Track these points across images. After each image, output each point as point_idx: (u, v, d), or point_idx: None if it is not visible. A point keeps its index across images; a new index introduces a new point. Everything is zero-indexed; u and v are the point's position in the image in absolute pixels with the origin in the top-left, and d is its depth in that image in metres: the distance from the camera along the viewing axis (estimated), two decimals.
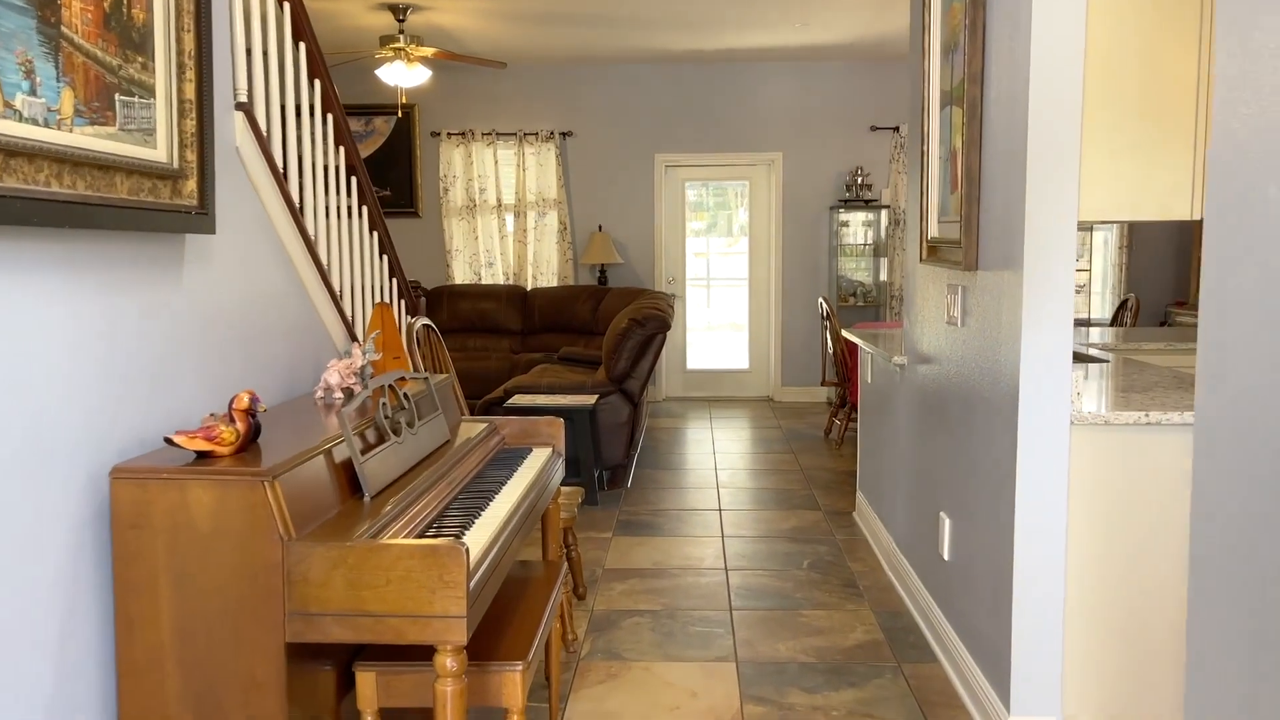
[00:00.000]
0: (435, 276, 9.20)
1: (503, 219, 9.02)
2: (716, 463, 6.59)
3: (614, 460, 5.90)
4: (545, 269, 9.09)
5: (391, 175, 9.10)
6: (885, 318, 8.93)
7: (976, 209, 3.06)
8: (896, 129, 8.86)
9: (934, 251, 3.55)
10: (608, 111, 8.99)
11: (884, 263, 8.94)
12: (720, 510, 5.42)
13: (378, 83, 8.97)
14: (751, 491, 5.82)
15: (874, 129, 8.92)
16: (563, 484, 5.50)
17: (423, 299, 4.26)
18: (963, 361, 3.24)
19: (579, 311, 8.60)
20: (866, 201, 8.79)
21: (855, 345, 6.76)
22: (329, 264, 3.26)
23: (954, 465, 3.35)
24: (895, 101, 8.92)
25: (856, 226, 8.97)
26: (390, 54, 6.79)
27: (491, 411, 5.92)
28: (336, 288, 3.23)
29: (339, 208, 3.40)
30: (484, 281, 9.09)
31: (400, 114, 6.94)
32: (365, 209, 3.53)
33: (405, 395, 2.63)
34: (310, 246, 2.92)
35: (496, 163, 8.97)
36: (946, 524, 3.41)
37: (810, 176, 9.00)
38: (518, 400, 5.59)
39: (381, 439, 2.45)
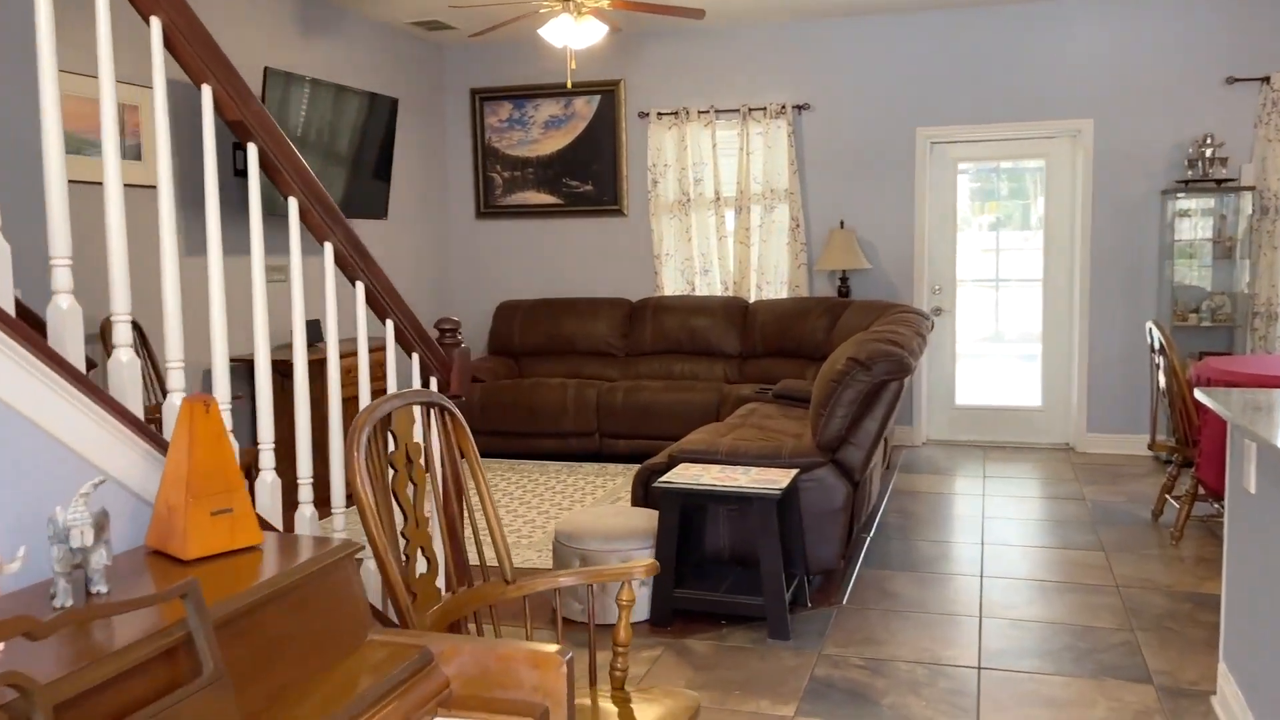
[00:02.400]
0: (642, 287, 7.65)
1: (721, 216, 7.32)
2: (984, 562, 4.56)
3: (823, 564, 4.07)
4: (772, 276, 7.30)
5: (593, 167, 7.65)
6: (1246, 345, 6.38)
7: None
8: (1267, 80, 6.30)
9: None
10: (854, 76, 7.06)
11: (1245, 266, 6.40)
12: (980, 668, 3.45)
13: (584, 59, 7.54)
14: (1037, 629, 3.78)
15: (1231, 81, 6.40)
16: (726, 621, 3.71)
17: (461, 348, 2.66)
18: None
19: (809, 331, 6.76)
20: (1218, 182, 6.30)
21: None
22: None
23: None
24: (1267, 39, 6.35)
25: (1201, 216, 6.50)
26: (555, 5, 5.29)
27: (650, 483, 4.25)
28: (167, 361, 1.68)
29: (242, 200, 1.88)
30: (697, 292, 7.44)
31: (570, 85, 5.45)
32: (293, 201, 2.00)
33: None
34: None
35: (715, 146, 7.28)
36: None
37: (1133, 149, 6.62)
38: (678, 475, 3.89)
39: None
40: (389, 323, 2.37)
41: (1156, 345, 5.07)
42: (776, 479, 3.81)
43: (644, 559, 2.26)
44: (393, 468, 2.06)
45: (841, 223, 7.12)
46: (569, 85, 5.54)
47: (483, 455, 6.96)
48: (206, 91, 1.85)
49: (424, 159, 7.61)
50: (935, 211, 7.09)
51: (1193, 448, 4.83)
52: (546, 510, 5.52)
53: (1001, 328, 7.14)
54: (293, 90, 5.81)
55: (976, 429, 7.19)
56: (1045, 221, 6.93)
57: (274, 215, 5.68)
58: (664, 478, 3.84)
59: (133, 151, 5.00)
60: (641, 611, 3.87)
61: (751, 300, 7.26)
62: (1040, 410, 7.06)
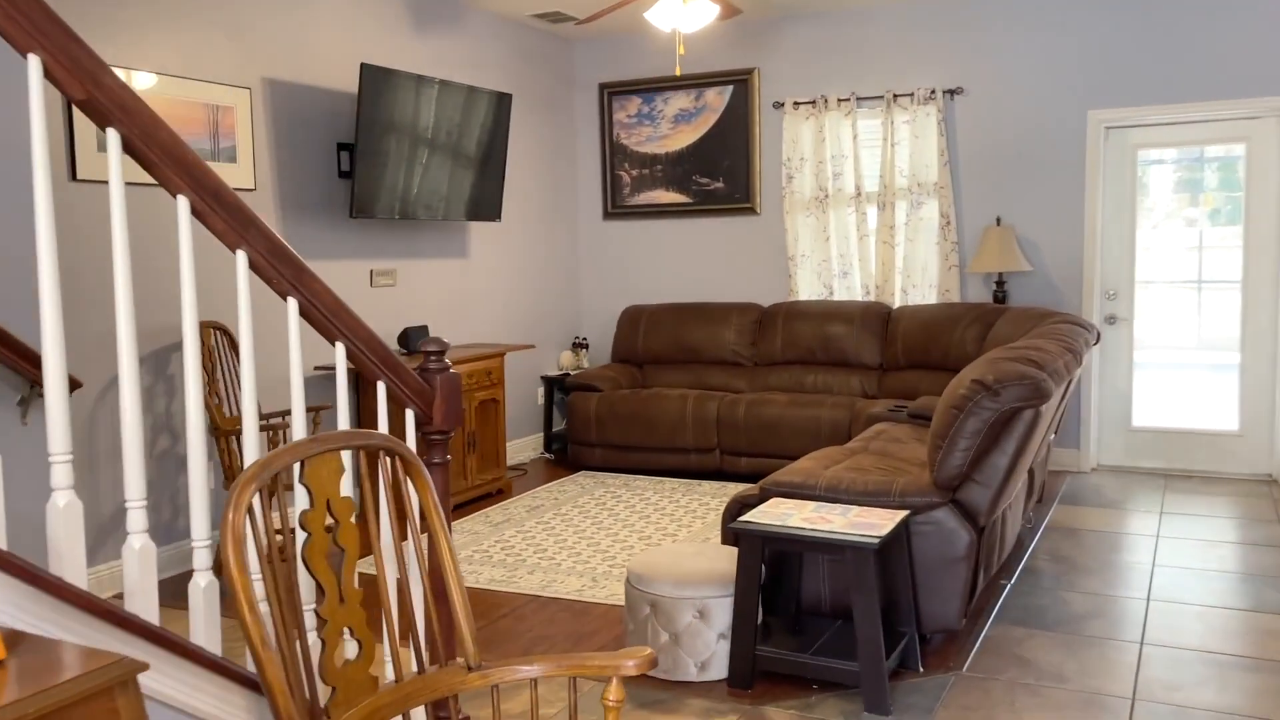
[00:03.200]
0: (775, 291, 7.10)
1: (863, 213, 6.68)
2: (1147, 625, 3.80)
3: (940, 622, 3.45)
4: (919, 280, 6.60)
5: (725, 163, 7.15)
6: None
7: None
8: None
9: None
10: (1014, 55, 6.27)
11: None
12: None
13: (706, 49, 7.06)
14: (1207, 719, 3.06)
15: None
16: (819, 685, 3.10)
17: (447, 372, 2.24)
18: None
19: (958, 341, 6.04)
20: None
21: None
22: None
23: None
24: None
25: None
26: None
27: (739, 516, 3.73)
28: None
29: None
30: (835, 297, 6.82)
31: (679, 73, 5.00)
32: (182, 201, 1.63)
33: None
34: None
35: (856, 137, 6.64)
36: None
37: None
38: (762, 514, 3.36)
39: None
40: (339, 345, 1.98)
41: None
42: (878, 523, 3.23)
43: (640, 651, 1.79)
44: (304, 530, 1.66)
45: (998, 220, 6.35)
46: (678, 73, 5.07)
47: (598, 469, 6.58)
48: (34, 63, 1.51)
49: (550, 157, 7.31)
50: (1111, 205, 6.21)
51: None
52: (649, 535, 5.08)
53: (1195, 337, 6.19)
54: (423, 89, 5.61)
55: (1157, 454, 6.26)
56: (1246, 215, 5.95)
57: (367, 217, 5.49)
58: (744, 517, 3.32)
59: (228, 154, 4.88)
60: (719, 669, 3.37)
61: (895, 306, 6.59)
62: (1237, 435, 6.08)
